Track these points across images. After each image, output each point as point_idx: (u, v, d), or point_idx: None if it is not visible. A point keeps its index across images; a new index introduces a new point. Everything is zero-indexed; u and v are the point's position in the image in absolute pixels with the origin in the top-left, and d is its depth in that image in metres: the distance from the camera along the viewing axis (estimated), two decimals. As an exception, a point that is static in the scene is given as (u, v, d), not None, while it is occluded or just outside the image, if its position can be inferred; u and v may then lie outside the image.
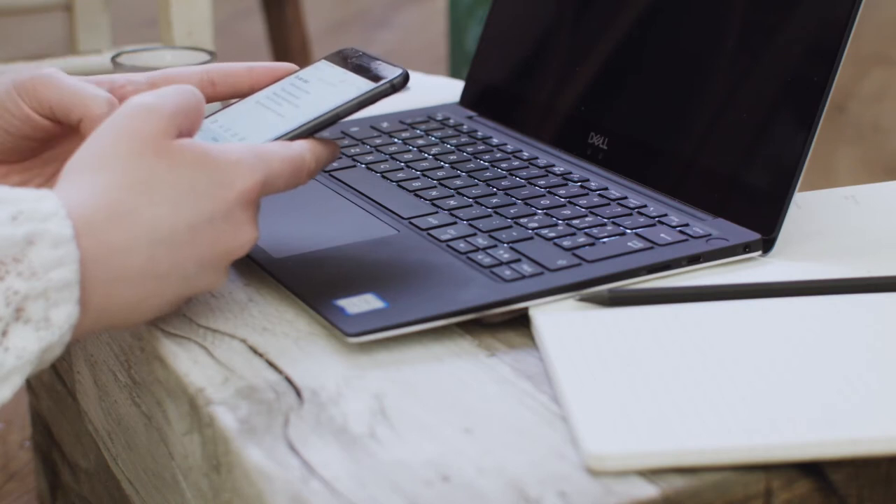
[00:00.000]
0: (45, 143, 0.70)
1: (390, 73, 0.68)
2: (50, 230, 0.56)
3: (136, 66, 0.93)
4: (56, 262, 0.56)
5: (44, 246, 0.56)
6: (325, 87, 0.69)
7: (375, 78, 0.68)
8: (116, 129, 0.61)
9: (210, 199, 0.61)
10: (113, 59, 0.95)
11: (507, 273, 0.67)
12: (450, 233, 0.73)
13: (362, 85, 0.68)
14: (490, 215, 0.75)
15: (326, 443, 0.56)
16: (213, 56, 0.96)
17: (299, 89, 0.70)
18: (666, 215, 0.75)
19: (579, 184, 0.80)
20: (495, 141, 0.89)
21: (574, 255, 0.69)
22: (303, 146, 0.65)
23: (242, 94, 0.72)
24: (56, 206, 0.57)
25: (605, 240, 0.71)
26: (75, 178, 0.60)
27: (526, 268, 0.68)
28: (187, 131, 0.63)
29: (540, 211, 0.76)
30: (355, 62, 0.71)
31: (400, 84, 0.68)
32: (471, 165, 0.84)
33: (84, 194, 0.59)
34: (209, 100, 0.72)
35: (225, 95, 0.73)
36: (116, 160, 0.60)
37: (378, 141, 0.90)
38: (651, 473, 0.53)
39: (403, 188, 0.81)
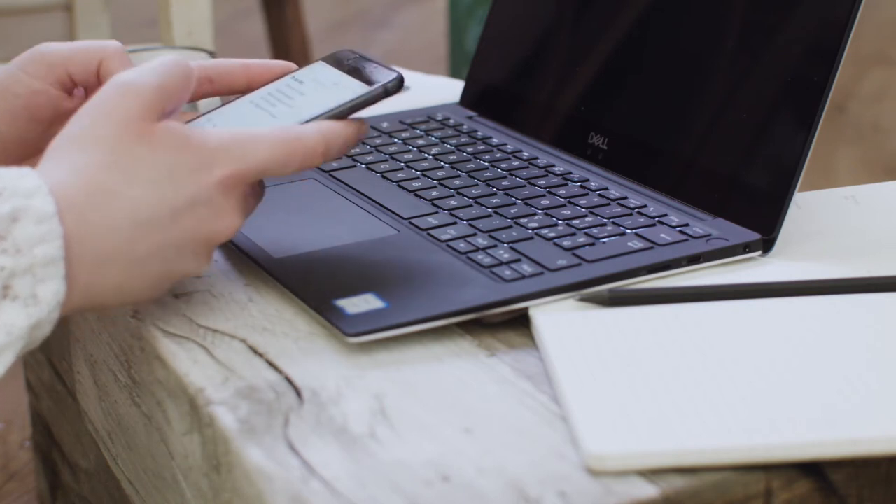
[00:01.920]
0: (47, 130, 0.70)
1: (385, 76, 0.68)
2: (33, 206, 0.56)
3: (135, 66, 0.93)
4: (40, 238, 0.56)
5: (28, 222, 0.56)
6: (319, 88, 0.69)
7: (370, 81, 0.68)
8: (97, 108, 0.61)
9: (191, 183, 0.61)
10: (113, 59, 0.94)
11: (507, 273, 0.67)
12: (450, 233, 0.73)
13: (357, 88, 0.68)
14: (490, 215, 0.75)
15: (326, 443, 0.56)
16: (213, 56, 0.96)
17: (294, 90, 0.70)
18: (666, 215, 0.75)
19: (579, 184, 0.80)
20: (495, 141, 0.89)
21: (574, 255, 0.69)
22: (305, 128, 0.65)
23: (239, 91, 0.72)
24: (38, 183, 0.57)
25: (605, 240, 0.71)
26: (57, 156, 0.60)
27: (526, 268, 0.68)
28: (173, 104, 0.63)
29: (540, 211, 0.76)
30: (351, 64, 0.71)
31: (394, 88, 0.68)
32: (471, 165, 0.84)
33: (65, 173, 0.59)
34: (206, 95, 0.72)
35: (221, 92, 0.73)
36: (97, 141, 0.60)
37: (378, 141, 0.90)
38: (651, 473, 0.53)
39: (403, 188, 0.81)
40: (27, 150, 0.70)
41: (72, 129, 0.61)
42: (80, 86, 0.70)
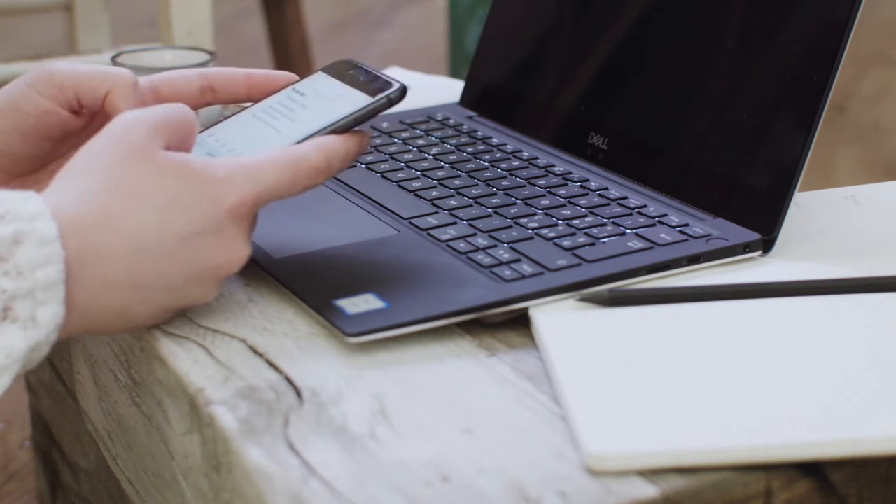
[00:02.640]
0: (57, 146, 0.70)
1: (387, 87, 0.68)
2: (36, 230, 0.56)
3: (136, 66, 0.93)
4: (42, 262, 0.56)
5: (30, 245, 0.56)
6: (322, 101, 0.69)
7: (373, 92, 0.68)
8: (105, 138, 0.62)
9: (201, 213, 0.61)
10: (113, 59, 0.95)
11: (507, 273, 0.67)
12: (450, 233, 0.73)
13: (360, 100, 0.68)
14: (490, 215, 0.75)
15: (326, 443, 0.56)
16: (213, 56, 0.96)
17: (296, 103, 0.70)
18: (666, 215, 0.75)
19: (579, 184, 0.80)
20: (495, 141, 0.89)
21: (574, 255, 0.69)
22: (308, 147, 0.65)
23: (241, 100, 0.72)
24: (41, 207, 0.57)
25: (605, 240, 0.71)
26: (64, 182, 0.61)
27: (526, 268, 0.68)
28: (177, 144, 0.63)
29: (540, 211, 0.76)
30: (353, 75, 0.71)
31: (397, 98, 0.68)
32: (471, 165, 0.84)
33: (70, 197, 0.59)
34: (207, 104, 0.72)
35: (223, 101, 0.73)
36: (103, 166, 0.61)
37: (378, 141, 0.90)
38: (651, 473, 0.53)
39: (403, 188, 0.81)
40: (36, 165, 0.71)
41: (79, 158, 0.62)
42: (87, 109, 0.70)
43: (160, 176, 0.60)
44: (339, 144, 0.66)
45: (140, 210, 0.60)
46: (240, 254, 0.63)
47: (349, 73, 0.71)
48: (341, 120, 0.67)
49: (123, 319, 0.61)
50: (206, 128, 0.71)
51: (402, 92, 0.68)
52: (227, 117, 0.72)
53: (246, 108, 0.72)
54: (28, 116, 0.68)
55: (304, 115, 0.68)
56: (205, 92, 0.72)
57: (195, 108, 0.72)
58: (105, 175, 0.60)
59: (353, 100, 0.68)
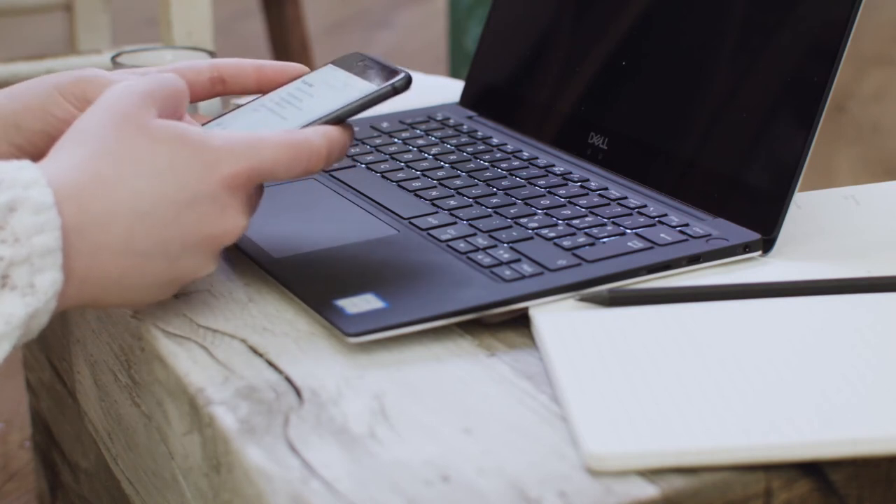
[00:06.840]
0: None
1: (393, 76, 0.69)
2: (31, 197, 0.57)
3: (136, 66, 0.93)
4: (38, 229, 0.57)
5: (26, 212, 0.56)
6: (328, 90, 0.70)
7: (378, 81, 0.69)
8: (98, 108, 0.63)
9: (193, 179, 0.61)
10: (113, 59, 0.95)
11: (507, 273, 0.67)
12: (450, 233, 0.73)
13: (365, 87, 0.69)
14: (490, 215, 0.75)
15: (326, 443, 0.56)
16: (214, 56, 0.96)
17: (304, 93, 0.71)
18: (666, 215, 0.75)
19: (579, 184, 0.80)
20: (495, 141, 0.89)
21: (574, 255, 0.69)
22: (310, 132, 0.65)
23: (250, 93, 0.73)
24: (36, 175, 0.58)
25: (605, 240, 0.71)
26: (59, 151, 0.61)
27: (526, 268, 0.68)
28: (169, 113, 0.64)
29: (540, 211, 0.76)
30: (361, 66, 0.71)
31: (402, 87, 0.69)
32: (471, 165, 0.84)
33: (66, 165, 0.60)
34: (218, 95, 0.73)
35: (233, 92, 0.73)
36: (97, 134, 0.61)
37: (378, 141, 0.90)
38: (651, 473, 0.53)
39: (403, 188, 0.81)
40: None
41: (74, 129, 0.62)
42: None
43: (154, 142, 0.61)
44: (340, 134, 0.67)
45: (136, 176, 0.60)
46: (235, 225, 0.63)
47: (358, 64, 0.72)
48: (346, 107, 0.68)
49: (121, 289, 0.61)
50: (214, 118, 0.71)
51: (408, 81, 0.69)
52: (236, 107, 0.72)
53: (254, 98, 0.72)
54: (59, 122, 0.68)
55: (310, 104, 0.69)
56: (215, 83, 0.72)
57: (205, 98, 0.72)
58: (100, 143, 0.61)
59: (359, 88, 0.69)
